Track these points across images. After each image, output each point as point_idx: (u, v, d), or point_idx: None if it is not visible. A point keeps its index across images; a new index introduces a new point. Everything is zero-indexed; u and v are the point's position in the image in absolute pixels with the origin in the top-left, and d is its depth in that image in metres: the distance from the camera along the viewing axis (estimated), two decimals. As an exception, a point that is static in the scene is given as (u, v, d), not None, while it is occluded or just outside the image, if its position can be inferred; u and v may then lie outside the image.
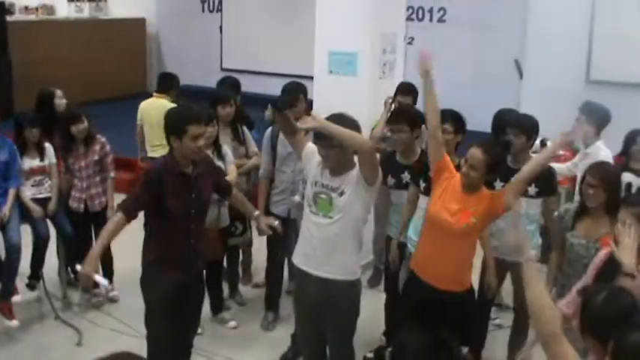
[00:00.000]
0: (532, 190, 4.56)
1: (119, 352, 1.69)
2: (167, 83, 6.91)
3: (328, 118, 4.15)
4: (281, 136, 5.42)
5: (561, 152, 5.82)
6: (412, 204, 4.79)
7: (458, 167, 4.14)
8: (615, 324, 2.41)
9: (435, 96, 4.08)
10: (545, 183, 4.58)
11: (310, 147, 4.15)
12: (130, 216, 3.98)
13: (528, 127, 4.66)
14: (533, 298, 2.61)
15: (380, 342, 5.34)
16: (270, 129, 5.61)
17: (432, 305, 4.04)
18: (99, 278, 3.91)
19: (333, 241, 4.03)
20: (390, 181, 4.96)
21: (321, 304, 4.12)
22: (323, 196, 4.05)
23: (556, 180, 4.75)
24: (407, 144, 4.91)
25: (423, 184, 4.66)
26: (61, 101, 6.20)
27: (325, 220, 4.04)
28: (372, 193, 4.04)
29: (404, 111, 5.16)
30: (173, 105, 5.21)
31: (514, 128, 4.63)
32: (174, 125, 4.07)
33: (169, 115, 4.09)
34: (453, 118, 4.68)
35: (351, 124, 4.05)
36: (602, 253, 3.62)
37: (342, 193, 4.02)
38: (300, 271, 4.19)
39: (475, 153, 3.96)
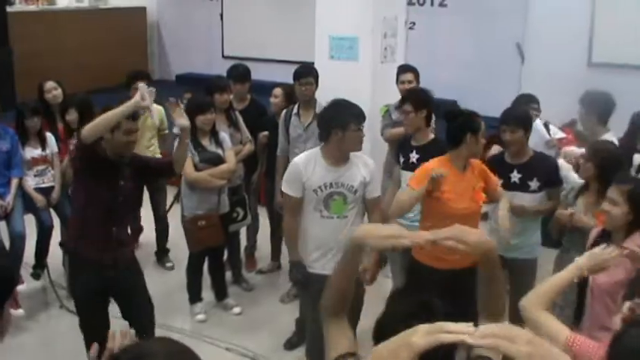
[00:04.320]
0: (534, 184, 4.50)
1: (161, 336, 1.71)
2: None
3: (331, 104, 4.18)
4: (293, 119, 5.62)
5: (563, 135, 5.80)
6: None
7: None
8: None
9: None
10: (548, 176, 4.54)
11: (297, 164, 4.16)
12: None
13: (524, 120, 4.56)
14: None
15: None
16: (284, 111, 5.76)
17: (454, 281, 3.91)
18: None
19: None
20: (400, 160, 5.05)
21: None
22: (336, 197, 4.09)
23: (559, 171, 4.68)
24: (416, 126, 4.94)
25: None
26: (49, 94, 6.07)
27: (341, 220, 4.11)
28: None
29: (411, 93, 5.25)
30: None
31: (510, 125, 4.48)
32: None
33: (104, 110, 4.02)
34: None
35: (356, 110, 4.09)
36: (595, 231, 3.65)
37: (355, 191, 4.10)
38: (319, 276, 3.96)
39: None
